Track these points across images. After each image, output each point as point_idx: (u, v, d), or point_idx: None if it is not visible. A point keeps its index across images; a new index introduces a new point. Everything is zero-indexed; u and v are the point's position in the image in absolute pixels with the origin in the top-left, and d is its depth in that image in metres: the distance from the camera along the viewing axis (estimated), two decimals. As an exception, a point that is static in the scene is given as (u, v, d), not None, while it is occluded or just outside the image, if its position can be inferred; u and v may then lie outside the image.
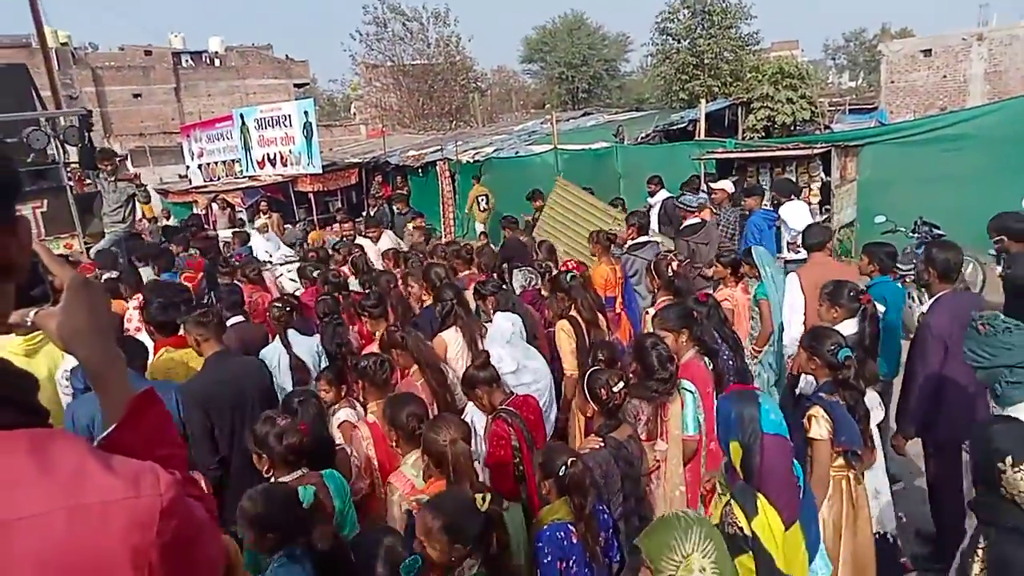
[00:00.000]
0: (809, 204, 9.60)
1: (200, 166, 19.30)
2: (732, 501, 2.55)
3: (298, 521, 2.44)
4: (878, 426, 3.76)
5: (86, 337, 1.13)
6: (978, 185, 9.87)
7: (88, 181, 9.93)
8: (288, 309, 4.89)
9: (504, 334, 4.44)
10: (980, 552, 2.45)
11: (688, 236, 7.08)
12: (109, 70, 41.56)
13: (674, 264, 5.21)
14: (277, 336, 4.75)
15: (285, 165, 16.54)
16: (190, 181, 19.83)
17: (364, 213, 15.62)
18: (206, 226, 15.33)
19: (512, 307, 4.95)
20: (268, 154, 16.84)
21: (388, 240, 9.03)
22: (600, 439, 2.96)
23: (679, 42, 27.67)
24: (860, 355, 3.58)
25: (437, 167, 16.25)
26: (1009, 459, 2.36)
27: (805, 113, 18.99)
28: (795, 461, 2.68)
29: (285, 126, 16.34)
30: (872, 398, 3.64)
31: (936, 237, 7.50)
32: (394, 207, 12.42)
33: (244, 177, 17.37)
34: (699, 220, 7.46)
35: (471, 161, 15.94)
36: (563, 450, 2.90)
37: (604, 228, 7.42)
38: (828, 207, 10.52)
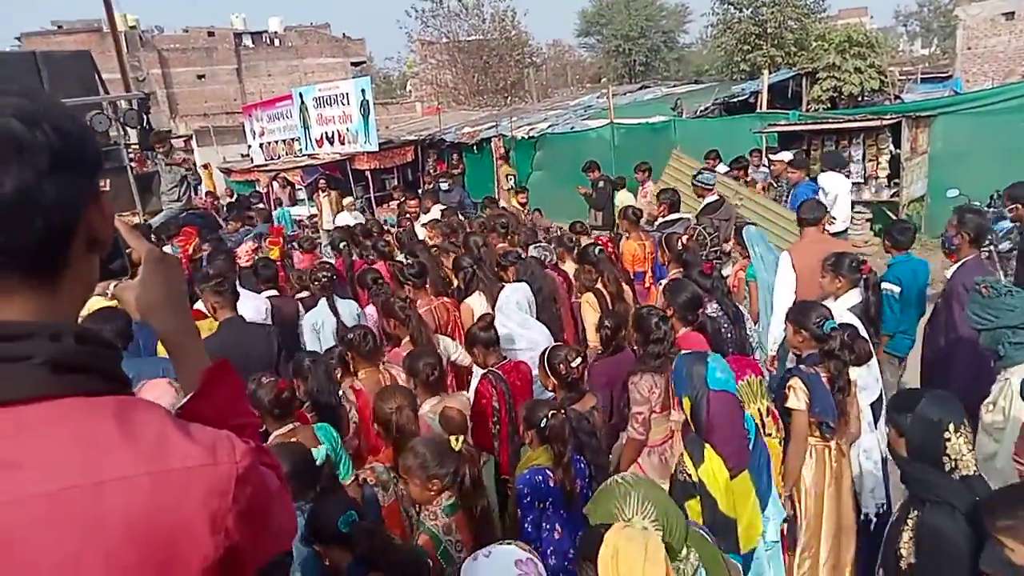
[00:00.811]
0: (852, 177, 9.58)
1: (261, 145, 19.72)
2: (683, 451, 2.87)
3: (309, 475, 2.69)
4: (872, 404, 3.74)
5: (163, 310, 1.17)
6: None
7: (148, 162, 10.38)
8: (333, 276, 5.17)
9: (508, 302, 4.74)
10: (910, 522, 2.51)
11: (709, 214, 7.16)
12: (174, 52, 42.69)
13: (683, 238, 5.40)
14: (323, 300, 4.99)
15: (343, 143, 16.75)
16: (252, 160, 20.30)
17: (420, 190, 15.78)
18: (263, 204, 15.75)
19: (531, 277, 5.15)
20: (326, 132, 17.08)
21: (436, 213, 9.16)
22: (562, 411, 3.18)
23: (741, 11, 26.78)
24: (865, 324, 3.77)
25: (492, 143, 16.23)
26: (951, 426, 2.45)
27: (874, 83, 18.24)
28: (747, 415, 2.95)
29: (343, 104, 16.52)
30: (869, 374, 3.63)
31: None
32: (440, 184, 12.50)
33: (303, 155, 17.68)
34: (717, 197, 7.55)
35: (526, 137, 15.85)
36: (545, 403, 3.15)
37: (726, 200, 7.54)
38: (897, 181, 10.12)
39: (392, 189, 15.90)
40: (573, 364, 3.43)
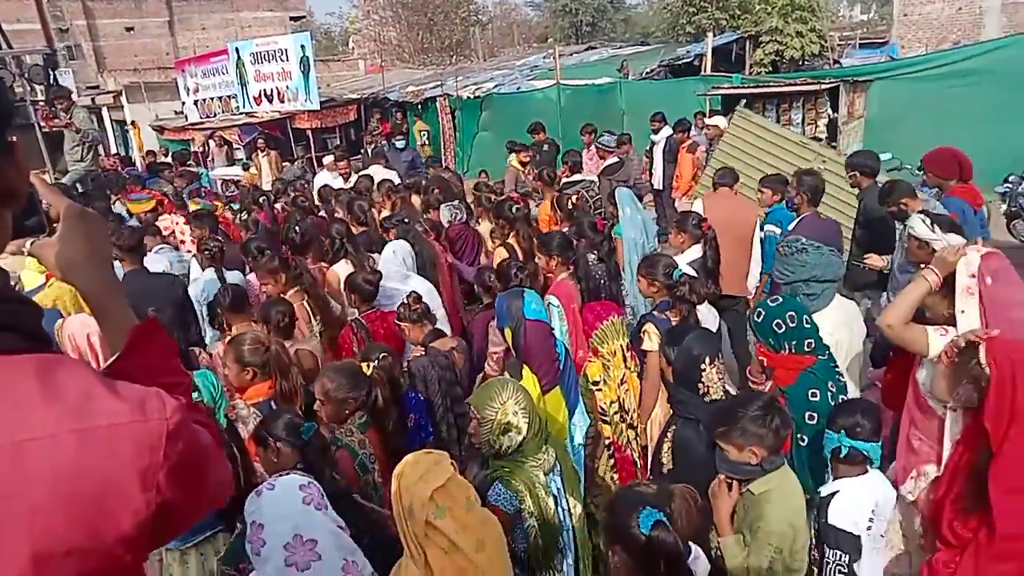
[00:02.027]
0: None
1: (196, 102, 18.96)
2: (506, 372, 3.36)
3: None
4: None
5: (85, 267, 1.13)
6: (990, 122, 9.68)
7: (55, 120, 9.86)
8: (222, 246, 5.36)
9: (388, 260, 5.08)
10: (669, 435, 2.98)
11: (609, 175, 7.47)
12: (100, 2, 40.42)
13: (574, 198, 5.84)
14: (211, 270, 5.16)
15: (282, 101, 16.24)
16: (186, 118, 19.51)
17: (363, 150, 15.45)
18: (196, 163, 15.23)
19: (413, 239, 5.45)
20: (265, 90, 16.52)
21: (380, 174, 8.99)
22: (423, 348, 3.59)
23: (687, -28, 26.77)
24: (703, 275, 4.25)
25: (437, 103, 15.95)
26: (707, 359, 2.94)
27: (814, 47, 18.57)
28: (558, 340, 3.45)
29: (281, 61, 15.98)
30: (708, 312, 4.01)
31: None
32: (396, 143, 12.24)
33: (241, 114, 17.08)
34: (618, 159, 7.83)
35: (472, 97, 15.65)
36: (379, 347, 3.54)
37: (801, 163, 7.30)
38: (834, 144, 10.37)
39: (334, 149, 15.51)
40: (413, 307, 3.92)
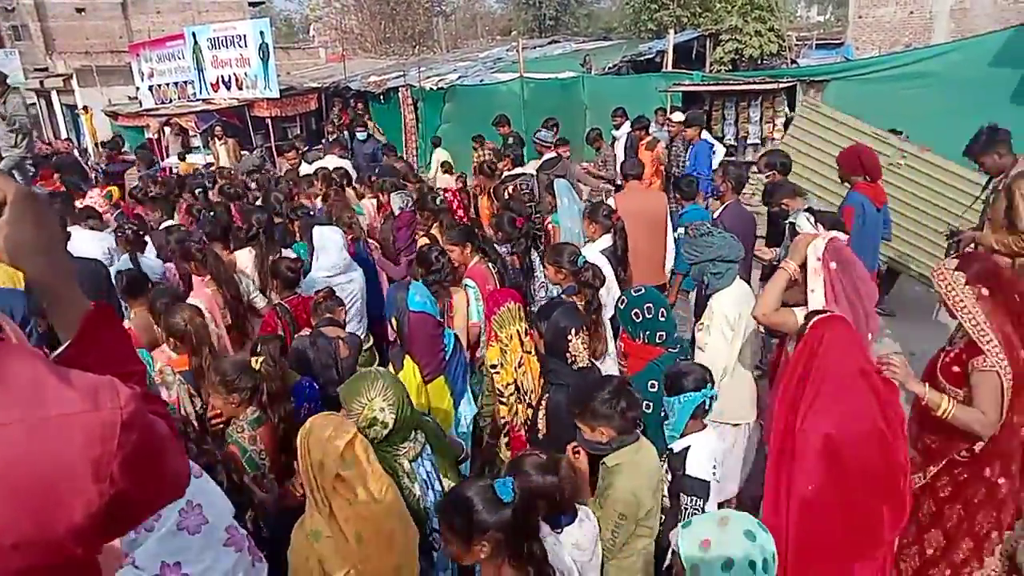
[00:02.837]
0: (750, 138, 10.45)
1: (151, 88, 18.45)
2: (390, 360, 3.59)
3: None
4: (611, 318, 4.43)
5: (33, 252, 1.08)
6: (939, 124, 9.95)
7: None
8: (138, 230, 5.40)
9: (327, 250, 5.09)
10: (543, 403, 3.20)
11: (547, 169, 7.58)
12: (48, -20, 38.99)
13: (510, 188, 6.02)
14: (126, 256, 5.14)
15: (240, 88, 15.92)
16: (140, 103, 18.98)
17: (324, 140, 15.25)
18: (152, 151, 14.89)
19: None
20: (222, 76, 16.18)
21: (334, 163, 8.97)
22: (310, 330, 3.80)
23: (649, -31, 26.92)
24: (614, 262, 4.57)
25: (399, 93, 15.81)
26: (573, 331, 3.19)
27: (772, 47, 18.86)
28: (446, 331, 3.70)
29: (240, 47, 15.66)
30: (607, 295, 4.22)
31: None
32: (357, 134, 12.10)
33: (197, 100, 16.69)
34: (555, 155, 7.90)
35: (434, 88, 15.54)
36: (272, 338, 3.59)
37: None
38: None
39: (294, 138, 15.30)
40: (322, 300, 4.08)
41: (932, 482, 2.90)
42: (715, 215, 5.37)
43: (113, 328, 1.17)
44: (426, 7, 32.66)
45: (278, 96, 15.61)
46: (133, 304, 4.30)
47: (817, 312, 2.77)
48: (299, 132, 16.40)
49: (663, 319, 3.41)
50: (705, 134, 8.93)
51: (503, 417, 3.59)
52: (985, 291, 2.66)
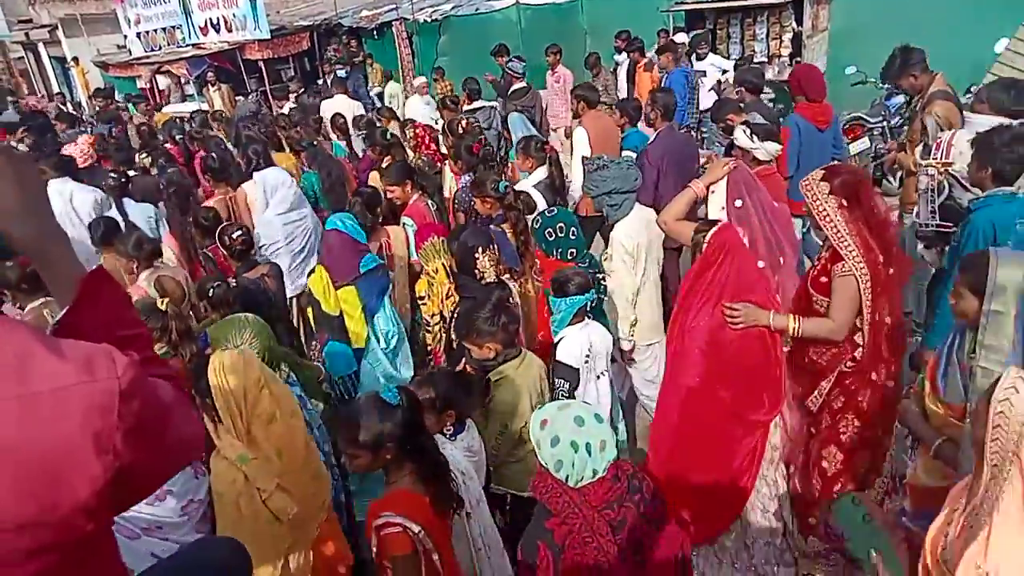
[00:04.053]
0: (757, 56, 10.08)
1: (139, 35, 17.94)
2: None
3: None
4: None
5: (20, 212, 1.02)
6: (952, 33, 9.60)
7: None
8: (124, 180, 5.58)
9: (255, 198, 5.36)
10: (456, 314, 3.51)
11: (516, 100, 7.66)
12: (24, -73, 37.64)
13: (462, 123, 6.30)
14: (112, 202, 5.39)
15: (230, 31, 15.48)
16: (130, 52, 18.52)
17: (320, 81, 14.92)
18: (149, 100, 14.65)
19: (321, 163, 6.12)
20: (211, 19, 15.70)
21: (343, 106, 8.81)
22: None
23: None
24: (550, 194, 4.81)
25: (393, 28, 15.36)
26: (480, 249, 3.64)
27: (778, -43, 18.07)
28: (370, 253, 4.00)
29: (226, -14, 15.16)
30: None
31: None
32: (337, 71, 11.94)
33: (187, 46, 16.27)
34: (524, 85, 7.95)
35: (428, 20, 15.08)
36: (213, 279, 3.81)
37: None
38: (799, 59, 10.25)
39: (288, 81, 14.96)
40: (235, 235, 4.29)
41: (827, 398, 3.03)
42: (649, 143, 5.46)
43: (112, 292, 1.12)
44: (415, -66, 31.45)
45: (269, 37, 15.18)
46: (105, 250, 4.48)
47: (710, 222, 3.04)
48: (292, 74, 16.01)
49: (574, 237, 3.81)
50: (713, 57, 8.93)
51: (428, 345, 4.01)
52: (845, 201, 2.79)
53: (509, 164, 5.96)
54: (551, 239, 3.81)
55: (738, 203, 3.12)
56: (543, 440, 1.99)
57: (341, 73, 11.44)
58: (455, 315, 3.55)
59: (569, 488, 1.96)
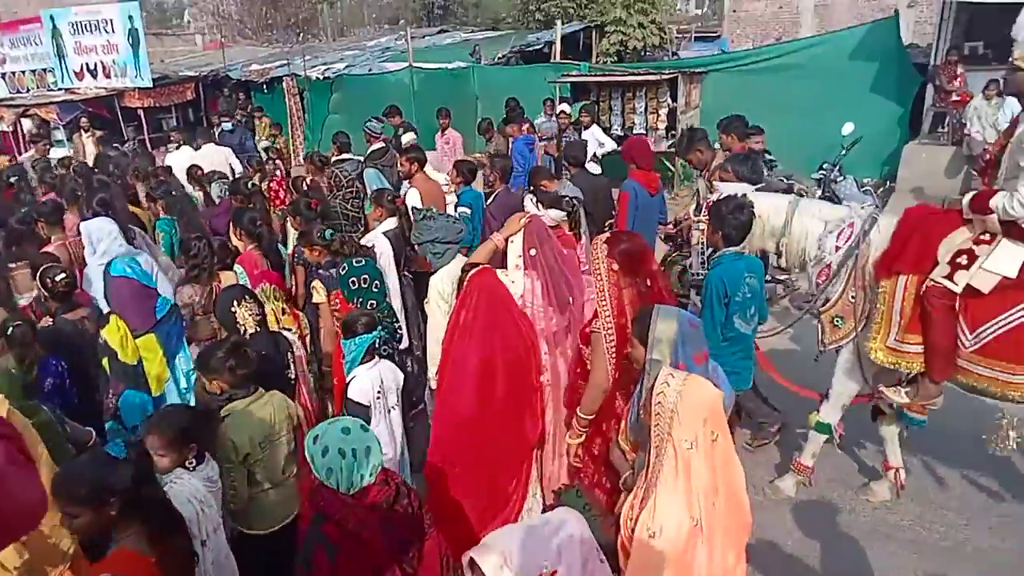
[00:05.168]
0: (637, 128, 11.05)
1: (4, 75, 16.94)
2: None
3: None
4: None
5: None
6: (806, 113, 10.63)
7: None
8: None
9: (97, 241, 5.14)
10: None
11: (375, 159, 7.78)
12: None
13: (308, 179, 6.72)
14: None
15: (109, 77, 14.88)
16: (-7, 93, 17.39)
17: (211, 131, 14.49)
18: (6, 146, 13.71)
19: (176, 210, 6.28)
20: (87, 64, 15.06)
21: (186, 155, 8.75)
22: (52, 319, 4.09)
23: (535, -41, 27.11)
24: (400, 243, 4.93)
25: (284, 83, 15.27)
26: (235, 302, 3.62)
27: (655, 39, 19.45)
28: (161, 299, 4.18)
29: (106, 32, 14.61)
30: (386, 269, 4.71)
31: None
32: (224, 124, 11.68)
33: (59, 90, 15.48)
34: (382, 145, 8.11)
35: (321, 78, 15.11)
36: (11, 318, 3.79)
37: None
38: (674, 132, 11.00)
39: (170, 131, 14.46)
40: (57, 279, 4.17)
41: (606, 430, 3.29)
42: (487, 204, 6.01)
43: None
44: (310, -7, 31.62)
45: (151, 85, 14.71)
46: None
47: (473, 265, 3.44)
48: (176, 124, 15.51)
49: (376, 290, 4.16)
50: (595, 128, 9.47)
51: None
52: (615, 265, 3.03)
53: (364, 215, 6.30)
54: (354, 288, 4.12)
55: (532, 252, 3.50)
56: (316, 454, 2.16)
57: (227, 126, 11.20)
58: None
59: (342, 494, 2.16)
